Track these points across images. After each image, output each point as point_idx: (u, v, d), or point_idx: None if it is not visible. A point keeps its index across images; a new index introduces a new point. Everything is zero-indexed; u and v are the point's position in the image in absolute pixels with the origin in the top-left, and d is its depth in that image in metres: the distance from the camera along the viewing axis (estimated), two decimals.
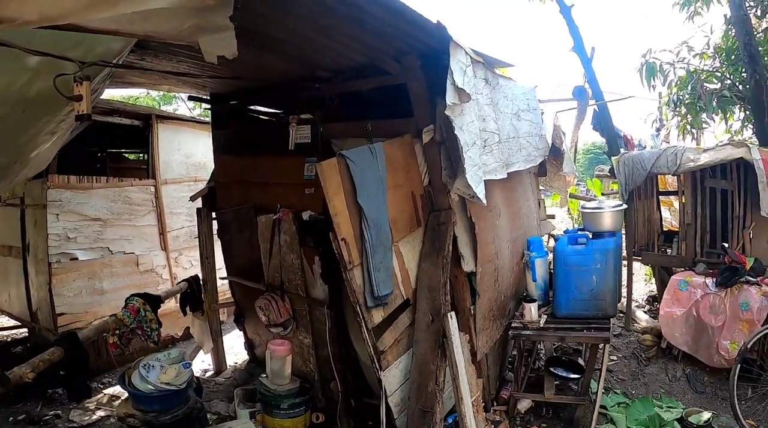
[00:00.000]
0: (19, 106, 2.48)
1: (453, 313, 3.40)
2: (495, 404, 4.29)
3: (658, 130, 6.89)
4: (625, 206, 4.31)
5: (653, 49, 5.98)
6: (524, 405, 4.36)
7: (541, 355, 5.10)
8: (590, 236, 4.13)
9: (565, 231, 4.57)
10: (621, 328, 5.69)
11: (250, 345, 5.25)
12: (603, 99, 5.57)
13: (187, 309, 5.00)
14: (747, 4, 5.62)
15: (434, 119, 3.54)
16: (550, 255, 4.43)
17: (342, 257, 3.17)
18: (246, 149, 4.65)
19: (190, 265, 6.11)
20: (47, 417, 4.52)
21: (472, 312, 3.80)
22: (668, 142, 6.75)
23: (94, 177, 5.46)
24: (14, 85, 2.37)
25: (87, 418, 4.61)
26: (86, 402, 4.92)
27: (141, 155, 7.80)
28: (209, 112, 5.34)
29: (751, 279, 4.55)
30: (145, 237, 5.79)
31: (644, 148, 6.63)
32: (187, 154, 6.28)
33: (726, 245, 4.98)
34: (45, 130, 2.73)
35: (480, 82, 3.54)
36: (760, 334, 4.23)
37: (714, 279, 4.72)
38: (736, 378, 4.13)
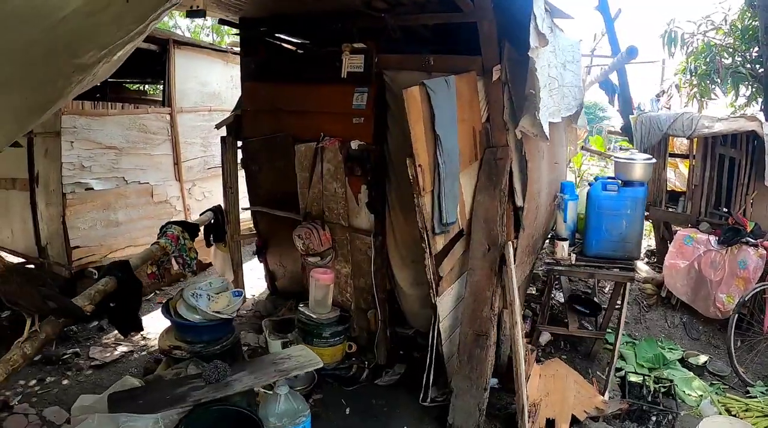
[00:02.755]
0: None
1: (510, 243, 3.53)
2: None
3: (658, 95, 7.19)
4: (654, 160, 4.52)
5: (677, 19, 6.23)
6: (545, 338, 4.65)
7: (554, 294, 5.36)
8: (620, 184, 4.32)
9: (595, 178, 4.76)
10: None
11: (271, 276, 5.25)
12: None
13: (211, 239, 4.91)
14: None
15: (500, 59, 3.58)
16: None
17: (417, 183, 3.22)
18: (280, 77, 4.52)
19: (203, 197, 5.97)
20: (66, 356, 4.40)
21: (514, 245, 3.94)
22: (669, 108, 7.06)
23: (109, 103, 5.19)
24: None
25: (108, 355, 4.52)
26: (104, 337, 4.82)
27: (140, 86, 7.45)
28: (237, 37, 5.13)
29: (751, 240, 4.90)
30: (159, 167, 5.59)
31: (643, 111, 6.90)
32: (203, 82, 6.03)
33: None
34: (136, 28, 2.56)
35: (547, 29, 3.60)
36: (755, 291, 4.67)
37: (717, 238, 5.08)
38: (733, 327, 4.55)
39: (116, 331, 4.70)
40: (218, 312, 3.67)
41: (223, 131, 4.95)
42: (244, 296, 4.00)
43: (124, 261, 3.60)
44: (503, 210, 3.61)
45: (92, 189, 5.09)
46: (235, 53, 5.99)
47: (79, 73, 2.67)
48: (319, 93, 4.19)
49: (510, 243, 3.53)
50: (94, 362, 4.40)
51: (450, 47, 3.92)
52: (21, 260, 5.52)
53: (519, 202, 3.81)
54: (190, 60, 5.86)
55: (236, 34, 5.13)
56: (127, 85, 7.87)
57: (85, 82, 2.88)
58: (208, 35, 9.63)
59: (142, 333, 4.67)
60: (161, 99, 5.97)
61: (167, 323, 3.87)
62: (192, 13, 2.25)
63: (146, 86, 8.39)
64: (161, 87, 6.25)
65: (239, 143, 4.89)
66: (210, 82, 6.12)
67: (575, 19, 4.14)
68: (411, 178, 3.23)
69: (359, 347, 4.33)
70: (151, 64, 5.85)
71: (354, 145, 3.95)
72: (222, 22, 4.91)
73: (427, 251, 3.40)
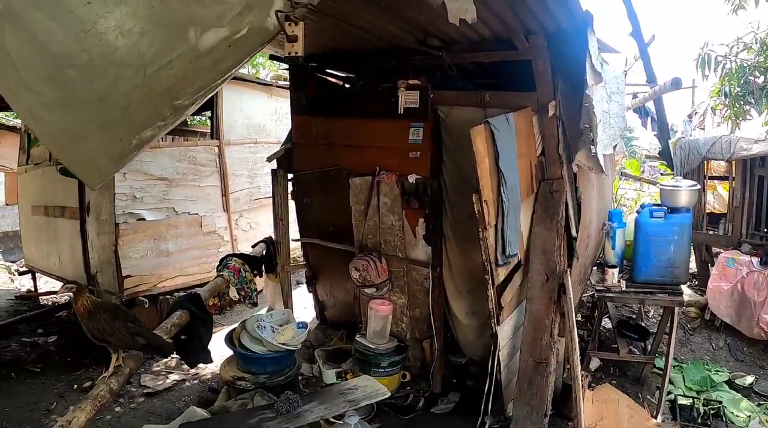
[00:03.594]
0: (228, 38, 2.41)
1: (568, 272, 3.62)
2: None
3: (690, 116, 7.29)
4: (699, 186, 4.61)
5: (710, 43, 6.37)
6: (595, 364, 4.70)
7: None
8: (666, 210, 4.41)
9: (642, 206, 4.85)
10: None
11: (320, 307, 5.35)
12: (657, 84, 5.86)
13: (263, 269, 5.03)
14: None
15: (554, 95, 3.71)
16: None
17: (482, 217, 3.32)
18: (333, 111, 4.66)
19: (249, 228, 6.12)
20: None
21: (569, 274, 4.04)
22: (703, 129, 7.16)
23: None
24: (227, 14, 2.31)
25: (160, 383, 4.60)
26: (155, 365, 4.90)
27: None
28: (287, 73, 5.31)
29: None
30: (208, 198, 5.76)
31: (676, 132, 6.99)
32: (248, 115, 6.22)
33: None
34: (231, 71, 2.70)
35: (599, 65, 3.73)
36: None
37: (759, 259, 5.13)
38: None
39: (167, 359, 4.85)
40: (284, 344, 3.77)
41: (273, 164, 5.09)
42: (308, 328, 4.10)
43: (196, 294, 3.73)
44: (560, 241, 3.71)
45: (144, 219, 5.26)
46: (280, 86, 6.17)
47: (175, 114, 2.82)
48: (374, 127, 4.32)
49: (568, 272, 3.62)
50: (146, 390, 4.48)
51: (503, 84, 4.06)
52: (53, 287, 5.68)
53: (573, 233, 3.91)
54: (236, 93, 6.05)
55: (285, 69, 5.30)
56: None
57: (177, 122, 3.03)
58: (243, 68, 9.85)
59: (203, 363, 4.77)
60: (208, 131, 6.16)
61: (225, 353, 3.96)
62: (290, 59, 2.40)
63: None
64: (202, 118, 6.44)
65: (290, 175, 5.03)
66: (255, 115, 6.31)
67: (621, 53, 4.28)
68: (477, 213, 3.34)
69: (414, 376, 4.42)
70: None
71: (411, 178, 4.08)
72: (273, 57, 5.09)
73: (490, 282, 3.49)
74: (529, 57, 3.64)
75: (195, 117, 7.76)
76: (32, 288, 7.07)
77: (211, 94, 3.39)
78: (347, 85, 5.25)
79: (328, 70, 5.15)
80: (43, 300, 6.72)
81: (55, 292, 6.21)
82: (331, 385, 4.02)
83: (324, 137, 4.69)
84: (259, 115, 6.29)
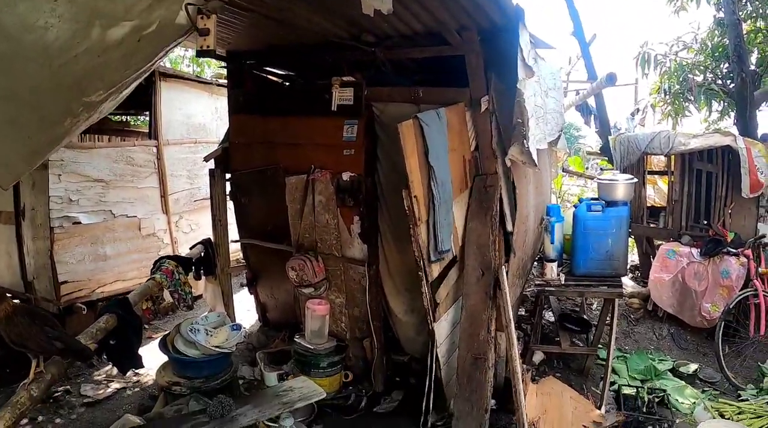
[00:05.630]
0: (137, 32, 2.33)
1: (503, 267, 3.61)
2: None
3: (632, 114, 7.46)
4: (635, 179, 4.68)
5: (650, 42, 6.54)
6: (538, 357, 4.72)
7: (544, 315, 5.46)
8: (604, 204, 4.46)
9: (580, 200, 4.90)
10: None
11: (262, 308, 5.23)
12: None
13: (201, 272, 4.89)
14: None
15: (488, 90, 3.71)
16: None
17: (413, 213, 3.28)
18: (269, 110, 4.56)
19: (189, 229, 5.96)
20: (57, 394, 4.28)
21: (506, 269, 4.03)
22: (644, 126, 7.33)
23: (96, 136, 5.18)
24: (136, 8, 2.22)
25: (101, 392, 4.43)
26: (95, 374, 4.72)
27: (122, 117, 7.40)
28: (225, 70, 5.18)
29: (732, 250, 5.08)
30: (147, 199, 5.57)
31: (619, 130, 7.13)
32: (188, 114, 6.05)
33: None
34: (144, 66, 2.60)
35: (532, 61, 3.74)
36: (739, 298, 4.82)
37: (698, 250, 5.25)
38: (720, 334, 4.69)
39: (107, 367, 4.68)
40: (218, 347, 3.67)
41: (211, 164, 4.96)
42: (243, 330, 3.99)
43: (124, 298, 3.60)
44: (495, 235, 3.70)
45: (80, 223, 5.04)
46: (219, 85, 6.03)
47: (87, 110, 2.72)
48: (310, 125, 4.25)
49: (503, 267, 3.61)
50: (86, 400, 4.30)
51: (437, 79, 4.03)
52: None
53: (509, 227, 3.90)
54: (176, 92, 5.88)
55: (222, 67, 5.17)
56: (109, 116, 7.81)
57: (91, 119, 2.91)
58: (188, 66, 9.65)
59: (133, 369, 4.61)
60: (146, 131, 5.97)
61: (160, 359, 3.84)
62: (202, 53, 2.31)
63: (127, 117, 8.35)
64: (143, 118, 6.25)
65: (228, 176, 4.90)
66: (195, 114, 6.14)
67: (556, 49, 4.30)
68: (407, 209, 3.30)
69: (355, 376, 4.35)
70: (136, 96, 5.81)
71: (345, 176, 4.01)
72: (200, 53, 4.93)
73: (424, 279, 3.45)
74: (462, 52, 3.63)
75: (139, 118, 7.52)
76: None
77: (128, 90, 3.27)
78: (287, 83, 5.14)
79: (267, 68, 5.05)
80: None
81: None
82: (267, 388, 3.93)
83: (262, 136, 4.59)
84: (200, 114, 6.14)
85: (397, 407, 4.16)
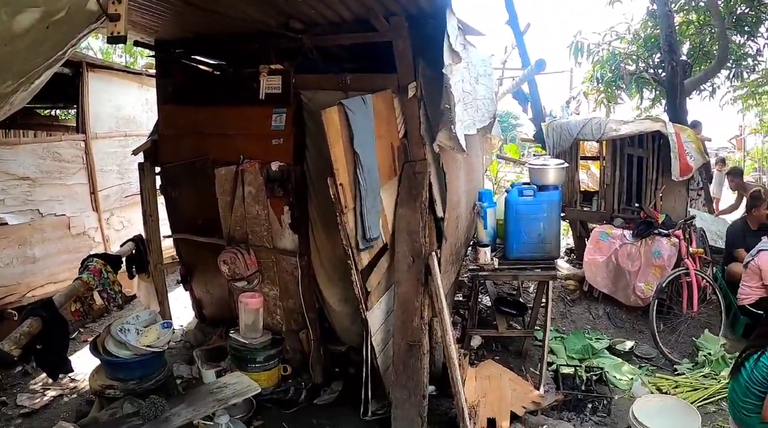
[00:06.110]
0: (45, 19, 2.19)
1: (434, 254, 3.62)
2: None
3: (568, 101, 7.65)
4: (566, 164, 4.79)
5: (583, 31, 6.70)
6: (476, 341, 4.78)
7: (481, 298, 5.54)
8: (536, 189, 4.54)
9: (512, 185, 4.97)
10: None
11: (198, 305, 5.11)
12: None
13: (134, 270, 4.73)
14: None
15: (416, 77, 3.70)
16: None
17: (339, 201, 3.25)
18: (198, 100, 4.44)
19: (121, 226, 5.74)
20: None
21: (438, 255, 4.05)
22: (578, 113, 7.53)
23: (21, 131, 4.92)
24: None
25: (37, 401, 4.24)
26: (31, 383, 4.52)
27: (51, 111, 7.06)
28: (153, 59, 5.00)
29: (663, 231, 5.29)
30: (75, 197, 5.32)
31: (555, 117, 7.30)
32: (117, 106, 5.82)
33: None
34: (55, 55, 2.47)
35: (460, 47, 3.76)
36: (671, 276, 5.03)
37: (631, 231, 5.44)
38: (654, 311, 4.88)
39: (43, 375, 4.49)
40: (149, 346, 3.56)
41: (140, 157, 4.79)
42: (173, 327, 3.88)
43: (48, 300, 3.48)
44: (425, 222, 3.71)
45: (6, 223, 4.79)
46: (150, 76, 5.82)
47: None
48: (237, 115, 4.17)
49: (434, 253, 3.63)
50: (23, 410, 4.13)
51: (367, 66, 4.00)
52: None
53: (440, 213, 3.93)
54: (105, 83, 5.65)
55: (151, 56, 5.00)
56: (38, 110, 7.46)
57: (2, 111, 2.76)
58: (120, 56, 9.31)
59: (70, 374, 4.43)
60: (75, 124, 5.71)
61: (96, 362, 3.71)
62: (113, 39, 2.20)
63: (57, 111, 7.99)
64: (73, 112, 5.99)
65: (158, 169, 4.75)
66: (125, 106, 5.92)
67: (486, 35, 4.34)
68: (333, 196, 3.26)
69: (294, 369, 4.30)
70: (64, 88, 5.58)
71: (274, 166, 3.94)
72: (137, 44, 4.78)
73: (354, 267, 3.43)
74: (390, 38, 3.61)
75: (70, 112, 7.19)
76: None
77: (39, 80, 3.11)
78: (217, 72, 5.01)
79: (196, 57, 4.90)
80: None
81: None
82: (202, 386, 3.84)
83: (191, 127, 4.46)
84: (130, 105, 5.92)
85: (338, 398, 4.15)
